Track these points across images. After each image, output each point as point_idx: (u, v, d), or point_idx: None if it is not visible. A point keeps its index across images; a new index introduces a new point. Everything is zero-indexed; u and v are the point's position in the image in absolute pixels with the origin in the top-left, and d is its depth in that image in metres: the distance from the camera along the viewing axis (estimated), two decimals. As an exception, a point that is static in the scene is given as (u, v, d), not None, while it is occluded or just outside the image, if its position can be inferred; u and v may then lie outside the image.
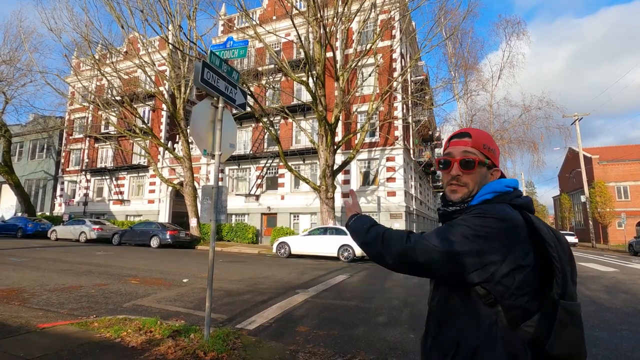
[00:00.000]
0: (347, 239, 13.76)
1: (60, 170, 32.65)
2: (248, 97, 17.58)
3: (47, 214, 30.59)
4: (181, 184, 21.89)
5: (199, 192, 20.88)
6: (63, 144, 32.76)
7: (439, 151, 38.95)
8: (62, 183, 32.30)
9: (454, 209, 1.12)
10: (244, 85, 17.45)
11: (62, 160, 32.57)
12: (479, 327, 0.97)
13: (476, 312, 0.98)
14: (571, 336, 0.95)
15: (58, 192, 32.48)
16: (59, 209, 31.45)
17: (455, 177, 1.12)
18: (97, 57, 21.74)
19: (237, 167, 24.83)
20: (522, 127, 22.75)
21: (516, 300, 0.96)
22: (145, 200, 27.70)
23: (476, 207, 1.06)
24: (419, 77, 24.18)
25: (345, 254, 13.54)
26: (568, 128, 24.58)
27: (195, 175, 22.46)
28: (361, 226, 1.20)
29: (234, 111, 19.84)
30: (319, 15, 15.34)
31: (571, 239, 34.17)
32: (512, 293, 0.95)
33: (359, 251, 13.41)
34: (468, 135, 1.14)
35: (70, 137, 32.51)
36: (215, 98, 4.14)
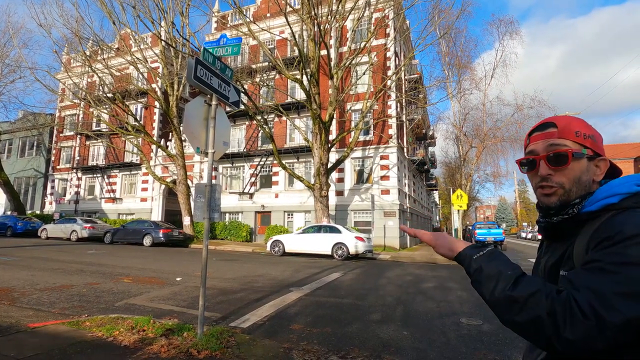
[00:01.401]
0: (341, 237, 13.80)
1: (50, 168, 32.20)
2: (242, 94, 17.51)
3: (38, 212, 30.16)
4: (174, 182, 21.73)
5: (192, 190, 20.75)
6: (53, 142, 32.29)
7: (432, 150, 39.20)
8: (53, 181, 31.86)
9: (560, 219, 0.89)
10: (238, 82, 17.36)
11: (53, 158, 32.13)
12: None
13: None
14: None
15: (48, 190, 32.03)
16: (50, 208, 31.03)
17: (546, 177, 0.90)
18: (88, 53, 21.44)
19: (230, 165, 24.71)
20: (514, 125, 23.01)
21: None
22: (138, 199, 27.45)
23: (601, 217, 0.82)
24: (413, 76, 24.27)
25: (340, 252, 13.57)
26: (559, 127, 24.84)
27: (188, 173, 22.31)
28: (504, 271, 0.82)
29: (228, 109, 19.76)
30: (313, 13, 15.29)
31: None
32: None
33: (352, 249, 13.46)
34: (552, 125, 0.92)
35: (61, 135, 32.06)
36: (208, 95, 4.11)
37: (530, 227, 63.40)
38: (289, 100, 21.59)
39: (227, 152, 24.37)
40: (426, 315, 5.47)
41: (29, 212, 29.70)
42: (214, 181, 26.52)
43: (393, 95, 20.44)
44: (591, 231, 0.81)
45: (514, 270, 0.82)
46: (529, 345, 0.94)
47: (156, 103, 24.72)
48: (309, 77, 16.43)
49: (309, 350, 3.77)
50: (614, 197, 0.82)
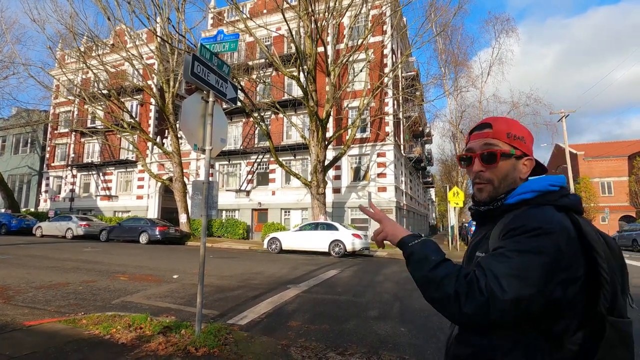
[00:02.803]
0: (338, 235, 13.83)
1: (45, 166, 31.93)
2: (239, 92, 17.43)
3: (32, 210, 29.93)
4: (170, 179, 21.63)
5: (189, 187, 20.68)
6: (48, 139, 32.01)
7: (429, 147, 39.31)
8: (48, 178, 31.60)
9: (486, 209, 1.03)
10: (235, 79, 17.28)
11: (47, 155, 31.85)
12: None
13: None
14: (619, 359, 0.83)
15: (43, 188, 31.78)
16: (44, 205, 30.80)
17: (478, 173, 1.02)
18: (82, 49, 21.23)
19: (227, 162, 24.64)
20: (510, 123, 23.06)
21: (565, 317, 0.85)
22: (134, 196, 27.31)
23: (516, 210, 0.95)
24: (410, 73, 24.25)
25: (337, 249, 13.60)
26: (555, 125, 25.02)
27: (184, 170, 22.21)
28: (429, 256, 0.94)
29: (224, 106, 19.67)
30: (310, 9, 15.23)
31: None
32: (562, 310, 0.85)
33: (349, 246, 13.49)
34: (489, 125, 1.02)
35: (56, 132, 31.78)
36: (205, 92, 4.08)
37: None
38: (286, 97, 21.53)
39: (223, 149, 24.20)
40: (423, 311, 5.50)
41: (24, 209, 29.46)
42: (210, 178, 26.53)
43: (390, 93, 20.45)
44: (506, 221, 0.94)
45: (438, 256, 0.93)
46: (450, 322, 1.06)
47: (152, 100, 24.55)
48: (305, 74, 16.39)
49: (306, 347, 3.78)
50: (530, 193, 0.95)
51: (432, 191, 55.63)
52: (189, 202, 19.94)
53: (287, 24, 15.94)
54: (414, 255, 0.96)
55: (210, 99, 4.06)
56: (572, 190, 23.75)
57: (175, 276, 8.02)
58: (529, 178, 1.02)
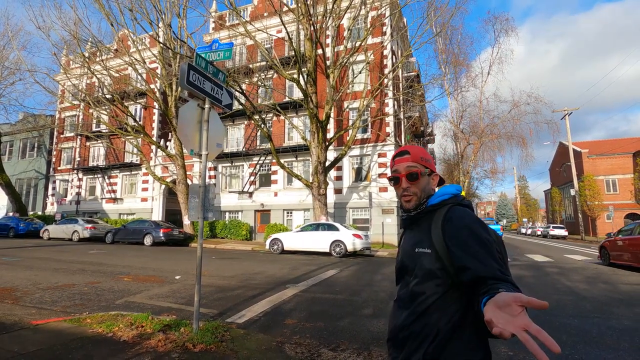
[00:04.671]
0: (339, 235, 13.96)
1: (51, 169, 32.38)
2: (240, 95, 17.63)
3: (39, 213, 30.36)
4: (174, 181, 21.88)
5: (192, 189, 20.87)
6: (54, 143, 32.46)
7: (432, 147, 39.29)
8: (54, 182, 32.05)
9: (416, 213, 1.32)
10: (235, 82, 17.48)
11: (54, 159, 32.30)
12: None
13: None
14: None
15: (50, 191, 32.24)
16: (51, 208, 31.23)
17: (406, 189, 1.32)
18: (86, 55, 21.56)
19: (230, 164, 24.87)
20: (511, 122, 23.07)
21: None
22: (139, 199, 27.64)
23: (439, 209, 1.27)
24: (410, 74, 24.35)
25: (337, 249, 13.73)
26: (556, 123, 24.95)
27: (188, 172, 22.46)
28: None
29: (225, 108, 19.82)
30: (308, 12, 15.38)
31: (561, 232, 34.80)
32: None
33: (350, 247, 13.62)
34: (407, 152, 1.35)
35: (61, 136, 32.22)
36: (201, 99, 4.25)
37: (531, 223, 63.30)
38: (287, 99, 21.70)
39: (226, 151, 24.57)
40: (417, 309, 5.62)
41: (31, 213, 29.90)
42: (212, 181, 26.45)
43: (390, 94, 20.54)
44: (440, 219, 1.23)
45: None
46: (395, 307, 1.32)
47: (155, 104, 24.85)
48: (305, 76, 16.54)
49: (301, 343, 3.93)
50: (445, 195, 1.31)
51: (436, 190, 55.48)
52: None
53: (285, 28, 16.11)
54: None
55: (206, 106, 4.23)
56: (576, 188, 23.57)
57: (177, 277, 8.20)
58: (438, 187, 1.39)
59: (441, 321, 1.14)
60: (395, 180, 1.37)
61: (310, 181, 17.28)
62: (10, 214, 26.62)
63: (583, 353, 3.83)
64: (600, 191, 36.72)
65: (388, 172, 20.86)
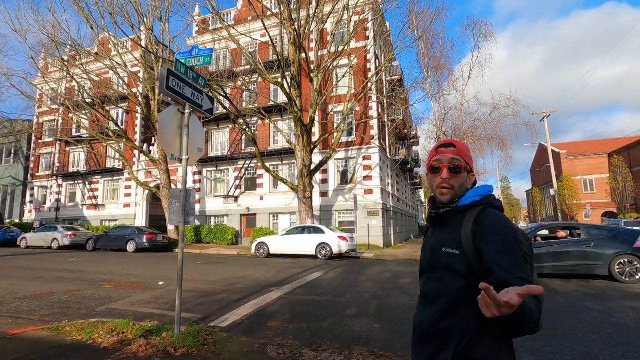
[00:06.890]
0: (325, 238, 14.04)
1: (29, 176, 31.42)
2: (224, 99, 17.57)
3: (17, 221, 29.41)
4: (158, 187, 21.59)
5: (176, 194, 20.62)
6: (32, 148, 31.53)
7: (416, 149, 39.85)
8: (32, 189, 31.10)
9: (445, 210, 1.29)
10: (219, 86, 17.41)
11: (32, 165, 31.36)
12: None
13: None
14: None
15: (28, 198, 31.26)
16: (29, 216, 30.29)
17: (445, 180, 1.29)
18: (65, 58, 21.12)
19: (215, 168, 24.67)
20: (491, 124, 23.62)
21: None
22: (121, 205, 27.09)
23: (471, 210, 1.25)
24: (394, 77, 24.71)
25: (323, 252, 13.80)
26: (534, 125, 25.68)
27: (172, 177, 22.18)
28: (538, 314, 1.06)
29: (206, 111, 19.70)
30: (291, 16, 15.49)
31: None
32: None
33: (336, 249, 13.72)
34: (453, 145, 1.34)
35: (40, 141, 31.34)
36: (181, 104, 4.27)
37: (514, 222, 64.78)
38: (272, 103, 21.73)
39: (211, 155, 24.38)
40: (399, 308, 5.74)
41: (8, 221, 28.93)
42: (197, 185, 26.08)
43: (374, 97, 20.80)
44: (470, 222, 1.22)
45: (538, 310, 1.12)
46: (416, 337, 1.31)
47: (137, 108, 24.49)
48: (289, 80, 16.62)
49: (283, 344, 3.98)
50: (477, 197, 1.29)
51: (422, 192, 56.24)
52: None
53: (268, 33, 16.17)
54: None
55: (187, 111, 4.25)
56: (555, 188, 24.12)
57: (160, 283, 8.12)
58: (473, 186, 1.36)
59: (468, 321, 1.14)
60: (435, 170, 1.33)
61: (296, 184, 17.32)
62: (-14, 222, 25.68)
63: (554, 346, 4.01)
64: (578, 191, 37.96)
65: (373, 174, 21.19)
